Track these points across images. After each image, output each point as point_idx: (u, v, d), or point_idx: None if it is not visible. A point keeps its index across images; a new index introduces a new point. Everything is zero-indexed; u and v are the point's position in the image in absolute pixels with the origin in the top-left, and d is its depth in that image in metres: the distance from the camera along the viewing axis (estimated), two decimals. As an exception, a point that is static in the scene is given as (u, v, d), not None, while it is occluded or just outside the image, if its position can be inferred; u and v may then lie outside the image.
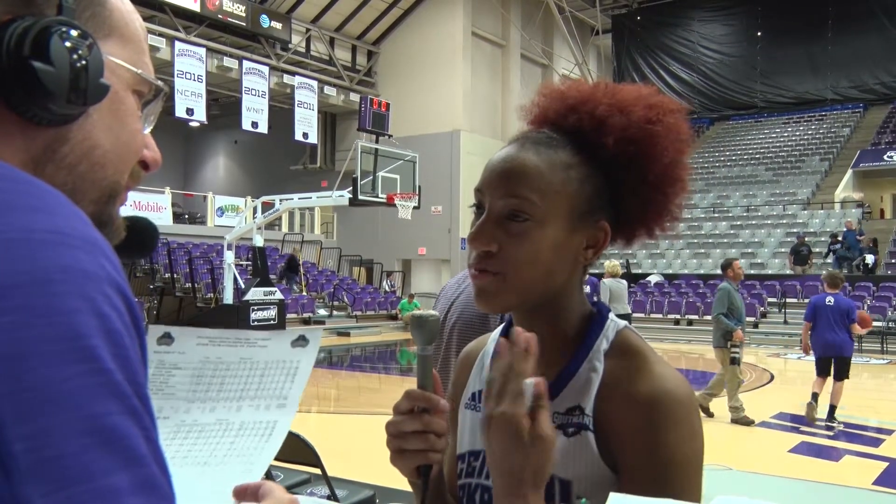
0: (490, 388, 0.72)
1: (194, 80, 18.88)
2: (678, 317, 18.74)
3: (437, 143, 22.58)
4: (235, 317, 13.98)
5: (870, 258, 18.69)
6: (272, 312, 14.95)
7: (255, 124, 20.32)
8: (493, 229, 0.84)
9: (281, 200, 15.09)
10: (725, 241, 22.19)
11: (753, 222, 22.75)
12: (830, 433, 7.35)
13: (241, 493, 0.74)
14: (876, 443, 7.09)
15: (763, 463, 6.22)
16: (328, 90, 23.21)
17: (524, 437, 0.69)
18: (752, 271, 20.41)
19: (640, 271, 20.85)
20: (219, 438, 0.83)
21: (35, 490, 0.39)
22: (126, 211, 0.65)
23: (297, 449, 2.66)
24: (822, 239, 20.20)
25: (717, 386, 7.68)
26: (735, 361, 7.36)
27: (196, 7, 19.29)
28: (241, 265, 16.79)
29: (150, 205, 18.45)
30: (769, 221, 22.45)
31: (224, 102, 24.25)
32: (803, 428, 7.42)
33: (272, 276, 16.60)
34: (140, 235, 0.70)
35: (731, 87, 29.28)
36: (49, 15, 0.54)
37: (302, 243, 22.02)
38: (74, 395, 0.42)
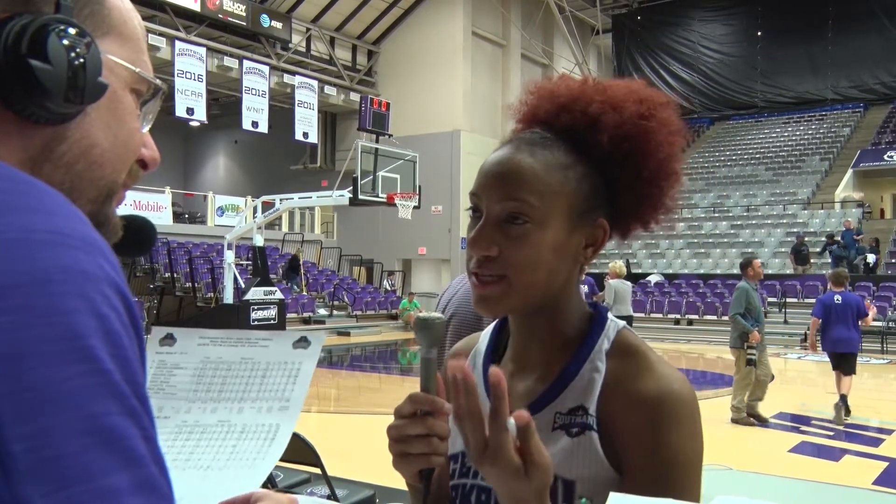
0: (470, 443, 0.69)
1: (194, 79, 18.88)
2: (678, 317, 18.75)
3: (437, 143, 22.58)
4: (236, 316, 13.99)
5: (871, 257, 18.71)
6: (272, 312, 14.95)
7: (255, 124, 20.33)
8: (493, 233, 0.83)
9: (281, 200, 15.09)
10: (725, 240, 22.20)
11: (753, 222, 22.76)
12: (831, 433, 7.36)
13: None
14: (876, 443, 7.09)
15: (763, 463, 6.22)
16: (328, 90, 23.22)
17: (520, 472, 0.68)
18: (753, 271, 20.39)
19: (640, 271, 20.85)
20: (221, 441, 0.83)
21: (34, 490, 0.39)
22: (124, 210, 0.65)
23: (297, 448, 2.66)
24: (823, 239, 20.22)
25: (758, 388, 7.47)
26: (751, 363, 7.25)
27: (196, 7, 19.30)
28: (242, 265, 16.80)
29: (150, 204, 18.45)
30: (769, 221, 22.46)
31: (224, 102, 24.26)
32: (803, 428, 7.43)
33: (272, 276, 16.61)
34: (137, 234, 0.70)
35: (732, 87, 29.29)
36: (47, 13, 0.53)
37: (302, 243, 22.03)
38: (74, 395, 0.42)
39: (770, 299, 18.45)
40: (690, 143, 28.01)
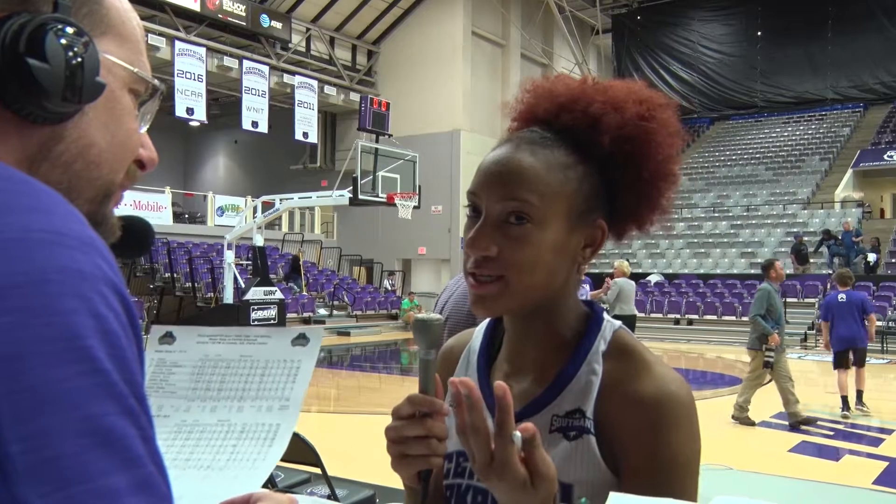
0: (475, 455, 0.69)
1: (194, 79, 18.88)
2: (678, 316, 18.76)
3: (437, 143, 22.59)
4: (236, 316, 13.99)
5: (872, 256, 18.73)
6: (272, 312, 14.96)
7: (255, 124, 20.33)
8: (492, 233, 0.82)
9: (281, 200, 15.10)
10: (725, 240, 22.21)
11: (753, 222, 22.76)
12: (831, 433, 7.36)
13: None
14: (876, 442, 7.10)
15: (763, 462, 6.22)
16: (328, 90, 23.22)
17: (527, 485, 0.69)
18: (752, 271, 20.42)
19: (640, 271, 20.85)
20: (221, 441, 0.82)
21: (33, 491, 0.39)
22: (123, 210, 0.65)
23: (297, 448, 2.66)
24: (821, 237, 20.25)
25: (789, 391, 7.37)
26: (768, 365, 7.19)
27: (196, 7, 19.30)
28: (242, 265, 16.80)
29: (150, 204, 18.46)
30: (769, 221, 22.46)
31: (224, 102, 24.26)
32: (804, 427, 7.42)
33: (272, 276, 16.61)
34: (135, 235, 0.70)
35: (731, 87, 29.30)
36: (45, 12, 0.53)
37: (302, 243, 22.03)
38: (72, 395, 0.41)
39: (770, 299, 18.47)
40: (690, 143, 28.02)
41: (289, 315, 16.61)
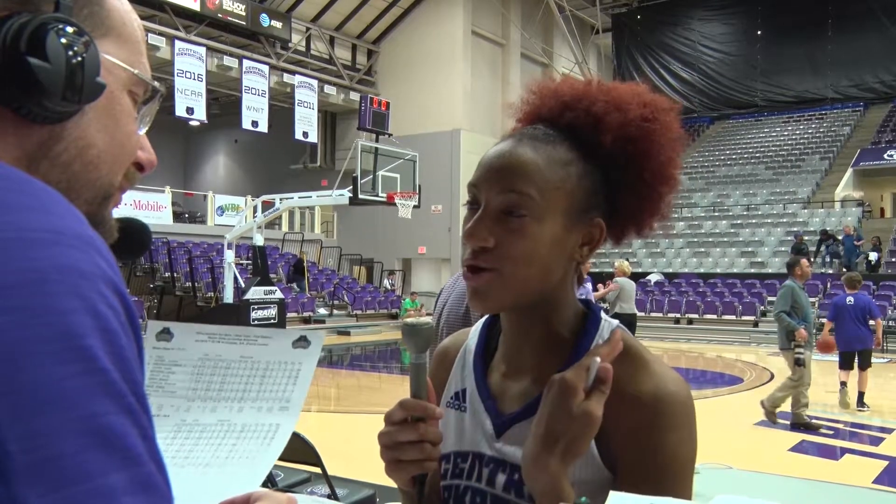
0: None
1: (194, 79, 18.88)
2: (678, 316, 18.76)
3: (437, 143, 22.59)
4: (236, 316, 13.99)
5: (873, 255, 18.74)
6: (272, 311, 14.95)
7: (255, 123, 20.33)
8: (491, 225, 0.82)
9: (281, 199, 15.08)
10: (725, 240, 22.21)
11: (753, 221, 22.76)
12: (831, 432, 7.36)
13: None
14: (876, 441, 7.10)
15: (763, 462, 6.22)
16: (328, 89, 23.21)
17: (572, 406, 0.71)
18: (752, 270, 20.44)
19: (640, 270, 20.85)
20: (220, 440, 0.82)
21: (32, 490, 0.39)
22: (122, 210, 0.65)
23: (297, 448, 2.66)
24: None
25: (801, 393, 7.26)
26: (800, 363, 7.05)
27: (196, 6, 19.29)
28: (242, 264, 16.79)
29: (151, 204, 18.46)
30: (769, 220, 22.46)
31: (224, 101, 24.26)
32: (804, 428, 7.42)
33: (273, 276, 16.61)
34: (133, 237, 0.70)
35: (732, 86, 29.29)
36: (46, 12, 0.53)
37: (302, 242, 22.03)
38: (71, 394, 0.41)
39: (770, 298, 18.45)
40: (690, 143, 28.02)
41: (289, 315, 16.61)
